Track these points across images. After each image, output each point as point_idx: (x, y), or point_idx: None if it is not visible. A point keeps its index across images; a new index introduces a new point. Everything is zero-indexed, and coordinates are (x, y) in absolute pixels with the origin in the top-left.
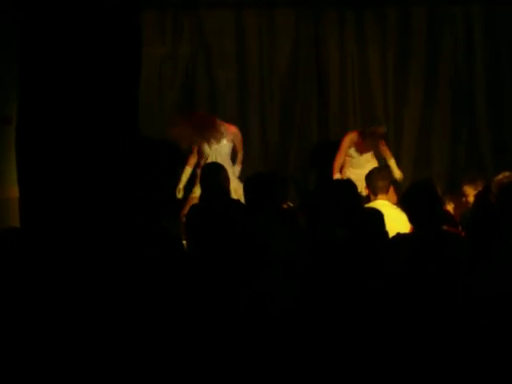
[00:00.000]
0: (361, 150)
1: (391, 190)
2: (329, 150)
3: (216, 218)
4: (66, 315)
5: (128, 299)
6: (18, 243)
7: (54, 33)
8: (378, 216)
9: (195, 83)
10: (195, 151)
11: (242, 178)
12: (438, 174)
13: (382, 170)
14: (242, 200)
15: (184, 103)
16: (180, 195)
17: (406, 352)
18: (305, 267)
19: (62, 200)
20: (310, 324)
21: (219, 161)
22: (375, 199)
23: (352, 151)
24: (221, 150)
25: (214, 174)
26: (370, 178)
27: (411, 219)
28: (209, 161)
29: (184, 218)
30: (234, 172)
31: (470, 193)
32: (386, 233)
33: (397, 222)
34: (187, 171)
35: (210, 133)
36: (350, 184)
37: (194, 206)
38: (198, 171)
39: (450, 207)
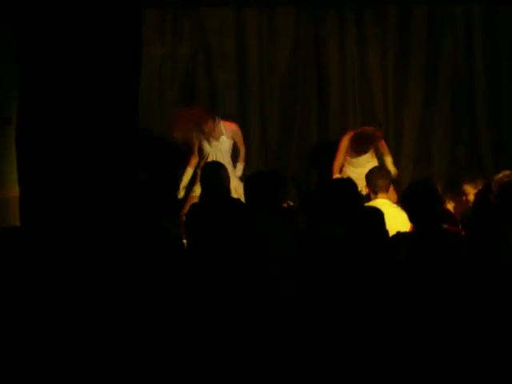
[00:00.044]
0: (358, 151)
1: (391, 188)
2: (329, 150)
3: (216, 217)
4: (66, 315)
5: (128, 299)
6: (19, 243)
7: (54, 33)
8: (378, 215)
9: (195, 83)
10: (196, 151)
11: (244, 176)
12: (438, 173)
13: (382, 169)
14: (243, 199)
15: (184, 103)
16: (181, 195)
17: (406, 351)
18: (305, 267)
19: (62, 200)
20: (310, 324)
21: (219, 158)
22: (375, 198)
23: (351, 151)
24: (221, 147)
25: (214, 173)
26: (370, 176)
27: (411, 218)
28: (209, 158)
29: (184, 217)
30: (234, 171)
31: (470, 192)
32: (387, 232)
33: (397, 220)
34: (188, 172)
35: (204, 127)
36: (350, 183)
37: (194, 204)
38: (199, 170)
39: (450, 206)
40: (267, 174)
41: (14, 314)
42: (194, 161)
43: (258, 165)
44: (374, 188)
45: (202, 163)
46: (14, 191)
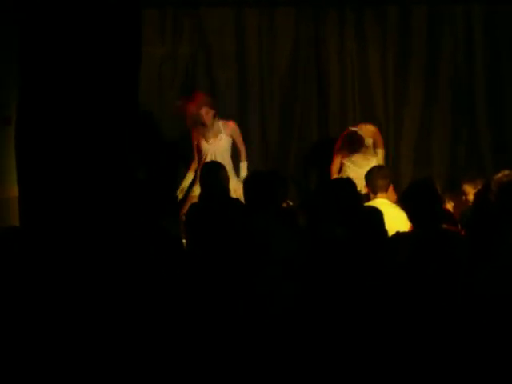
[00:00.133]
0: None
1: (391, 188)
2: (329, 150)
3: (215, 217)
4: (65, 315)
5: (128, 299)
6: (18, 243)
7: (53, 33)
8: (377, 215)
9: (195, 83)
10: (195, 155)
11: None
12: (438, 173)
13: (382, 168)
14: (242, 199)
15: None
16: (180, 197)
17: (406, 351)
18: (305, 267)
19: (62, 200)
20: (310, 324)
21: (218, 157)
22: (375, 198)
23: (345, 151)
24: (219, 144)
25: (213, 173)
26: (369, 176)
27: (411, 218)
28: (208, 157)
29: (184, 217)
30: (233, 170)
31: (470, 191)
32: (386, 232)
33: (396, 220)
34: (189, 176)
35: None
36: (349, 183)
37: (193, 204)
38: (198, 170)
39: (449, 206)
40: (267, 174)
41: (13, 314)
42: (194, 165)
43: (257, 165)
44: (374, 188)
45: (202, 163)
46: (14, 191)
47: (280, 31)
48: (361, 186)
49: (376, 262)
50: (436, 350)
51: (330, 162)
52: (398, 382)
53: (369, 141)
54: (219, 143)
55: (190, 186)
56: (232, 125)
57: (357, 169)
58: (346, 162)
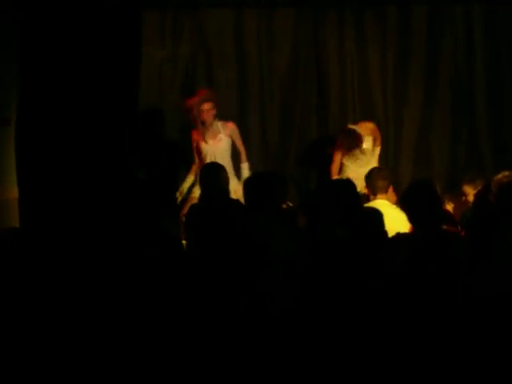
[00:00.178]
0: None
1: (390, 189)
2: (328, 151)
3: (215, 218)
4: (65, 315)
5: (128, 299)
6: (18, 244)
7: (54, 33)
8: (377, 216)
9: (195, 84)
10: (196, 158)
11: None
12: (438, 174)
13: (382, 169)
14: (242, 200)
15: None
16: (179, 200)
17: (405, 351)
18: (305, 267)
19: (62, 201)
20: (310, 324)
21: (218, 158)
22: (374, 199)
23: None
24: (219, 145)
25: (213, 175)
26: (369, 177)
27: (411, 219)
28: (208, 158)
29: (184, 218)
30: (234, 171)
31: (470, 192)
32: (386, 232)
33: (396, 221)
34: (189, 179)
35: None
36: (349, 184)
37: (193, 206)
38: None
39: (449, 207)
40: (266, 175)
41: (14, 315)
42: (195, 167)
43: (257, 165)
44: (374, 189)
45: (202, 164)
46: (14, 192)
47: (279, 32)
48: (361, 186)
49: (376, 263)
50: (436, 349)
51: (329, 163)
52: (398, 382)
53: (368, 139)
54: (219, 144)
55: (190, 187)
56: (231, 125)
57: (357, 169)
58: (346, 162)
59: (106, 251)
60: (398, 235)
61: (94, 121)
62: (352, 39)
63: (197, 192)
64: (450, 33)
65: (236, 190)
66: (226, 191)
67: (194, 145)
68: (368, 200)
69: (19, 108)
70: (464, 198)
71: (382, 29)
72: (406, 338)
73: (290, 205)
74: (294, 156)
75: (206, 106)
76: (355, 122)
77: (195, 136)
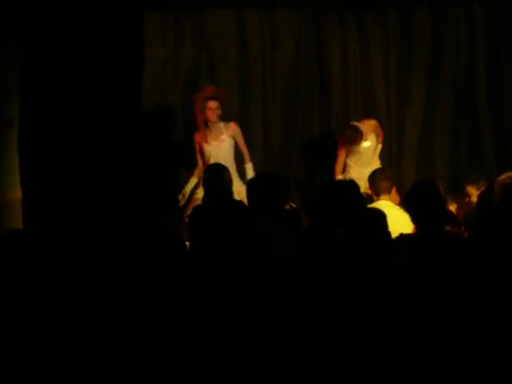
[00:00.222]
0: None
1: (394, 190)
2: (331, 151)
3: (219, 219)
4: (67, 316)
5: (130, 300)
6: (21, 245)
7: (55, 35)
8: (380, 217)
9: (198, 84)
10: (199, 160)
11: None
12: (441, 174)
13: (385, 170)
14: (245, 202)
15: (187, 105)
16: (182, 203)
17: (406, 351)
18: (305, 267)
19: (64, 202)
20: (310, 324)
21: (221, 159)
22: (378, 200)
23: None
24: (221, 146)
25: (216, 176)
26: (372, 178)
27: (414, 219)
28: (211, 160)
29: (187, 219)
30: (237, 172)
31: (473, 193)
32: (389, 233)
33: (400, 222)
34: (192, 181)
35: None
36: (352, 184)
37: (196, 207)
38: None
39: (452, 207)
40: (268, 176)
41: (16, 316)
42: (198, 169)
43: (260, 166)
44: (377, 190)
45: (205, 165)
46: (17, 193)
47: (281, 32)
48: (364, 186)
49: (376, 263)
50: (436, 349)
51: (332, 163)
52: (398, 382)
53: (372, 137)
54: (221, 145)
55: (193, 189)
56: (233, 126)
57: (360, 169)
58: (349, 162)
59: (107, 252)
60: (401, 236)
61: (96, 122)
62: (354, 40)
63: (200, 193)
64: (452, 33)
65: (239, 191)
66: (230, 192)
67: (197, 146)
68: (371, 201)
69: (22, 109)
70: (467, 199)
71: (384, 29)
72: (405, 338)
73: (293, 206)
74: (297, 157)
75: (212, 105)
76: (358, 120)
77: (197, 138)
